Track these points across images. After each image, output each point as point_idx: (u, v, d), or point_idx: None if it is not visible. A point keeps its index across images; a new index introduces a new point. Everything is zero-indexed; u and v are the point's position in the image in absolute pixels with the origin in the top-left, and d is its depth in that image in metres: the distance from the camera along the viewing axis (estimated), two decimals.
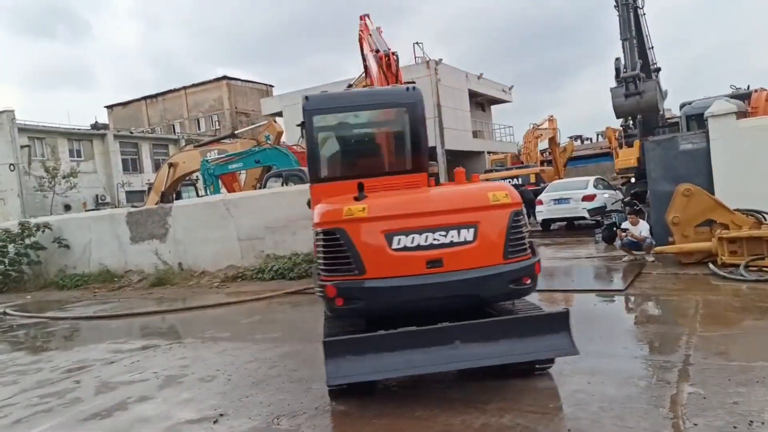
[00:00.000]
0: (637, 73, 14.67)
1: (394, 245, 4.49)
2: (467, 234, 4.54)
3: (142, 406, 5.21)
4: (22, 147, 33.21)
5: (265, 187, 15.36)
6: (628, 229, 10.62)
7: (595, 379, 4.77)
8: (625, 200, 15.50)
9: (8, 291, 15.95)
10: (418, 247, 4.50)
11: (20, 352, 8.33)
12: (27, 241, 16.06)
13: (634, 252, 10.54)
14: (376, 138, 6.26)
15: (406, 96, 5.67)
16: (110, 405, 5.31)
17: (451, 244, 4.52)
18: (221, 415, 4.73)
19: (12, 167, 32.11)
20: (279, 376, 5.63)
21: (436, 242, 4.51)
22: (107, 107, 59.66)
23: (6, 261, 16.07)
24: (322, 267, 4.66)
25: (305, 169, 12.19)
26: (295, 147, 18.01)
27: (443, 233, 4.53)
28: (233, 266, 13.32)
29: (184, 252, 14.10)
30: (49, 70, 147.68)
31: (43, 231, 16.14)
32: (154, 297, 12.35)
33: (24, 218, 19.50)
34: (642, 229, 10.43)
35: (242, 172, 18.17)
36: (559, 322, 4.52)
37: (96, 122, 46.74)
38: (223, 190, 17.46)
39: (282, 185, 14.56)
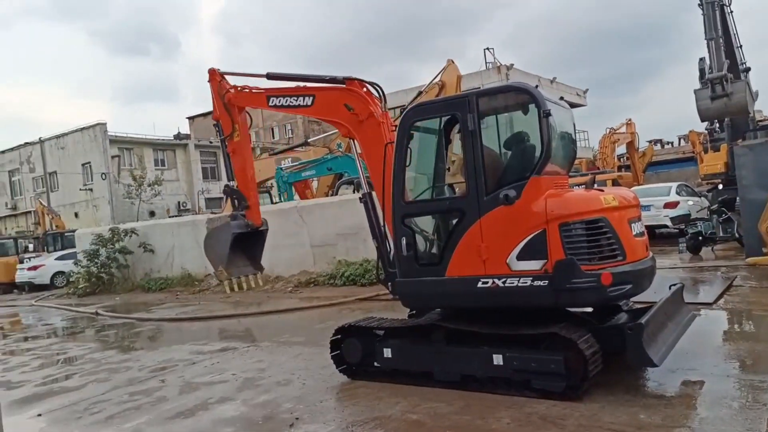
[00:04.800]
0: (724, 74, 13.82)
1: (635, 231, 4.92)
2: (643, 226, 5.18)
3: (222, 406, 5.41)
4: (112, 157, 35.53)
5: (336, 194, 15.62)
6: None
7: (684, 398, 4.52)
8: (711, 208, 14.63)
9: (100, 293, 17.07)
10: (640, 234, 5.02)
11: (111, 351, 8.86)
12: (116, 246, 17.15)
13: None
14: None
15: None
16: (193, 405, 5.54)
17: (642, 233, 5.10)
18: (297, 419, 4.83)
19: (104, 176, 34.39)
20: (352, 382, 5.69)
21: (640, 230, 5.05)
22: (189, 118, 62.41)
23: (98, 264, 17.22)
24: (584, 256, 4.57)
25: None
26: None
27: (640, 223, 5.11)
28: (306, 272, 13.63)
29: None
30: (138, 85, 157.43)
31: (131, 236, 17.20)
32: (231, 300, 12.82)
33: (114, 224, 20.83)
34: None
35: (315, 179, 18.57)
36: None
37: (179, 132, 48.98)
38: (297, 197, 17.91)
39: (353, 192, 14.76)
